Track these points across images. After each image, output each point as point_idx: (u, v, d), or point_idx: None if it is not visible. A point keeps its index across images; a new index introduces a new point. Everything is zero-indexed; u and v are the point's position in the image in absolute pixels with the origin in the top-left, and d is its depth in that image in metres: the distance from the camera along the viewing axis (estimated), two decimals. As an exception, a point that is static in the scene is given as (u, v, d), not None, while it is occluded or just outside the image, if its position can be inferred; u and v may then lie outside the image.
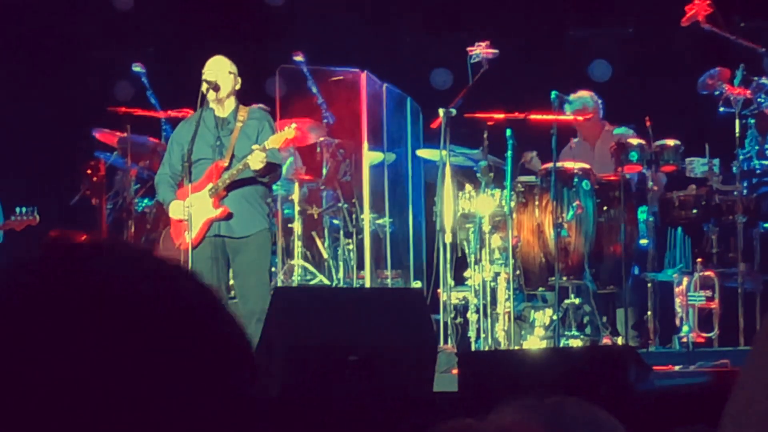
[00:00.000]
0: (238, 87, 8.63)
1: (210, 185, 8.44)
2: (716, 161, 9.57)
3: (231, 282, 8.71)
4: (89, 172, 10.24)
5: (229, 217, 8.43)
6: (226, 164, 8.46)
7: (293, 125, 8.72)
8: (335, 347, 6.80)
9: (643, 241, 9.61)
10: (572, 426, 2.29)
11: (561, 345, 9.01)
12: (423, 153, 10.40)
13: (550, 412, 2.31)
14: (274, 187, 9.21)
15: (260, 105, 9.91)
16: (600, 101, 10.22)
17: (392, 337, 6.95)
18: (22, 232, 9.90)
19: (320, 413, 6.21)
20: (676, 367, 8.30)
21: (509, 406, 2.15)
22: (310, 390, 6.55)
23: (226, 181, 8.41)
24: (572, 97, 10.09)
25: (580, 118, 9.99)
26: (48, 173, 11.15)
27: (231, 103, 8.62)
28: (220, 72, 8.54)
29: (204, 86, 8.47)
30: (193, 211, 8.32)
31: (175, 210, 8.50)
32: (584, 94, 10.20)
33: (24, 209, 9.87)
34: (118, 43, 11.99)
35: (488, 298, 9.37)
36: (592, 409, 2.38)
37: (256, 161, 8.26)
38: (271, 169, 8.45)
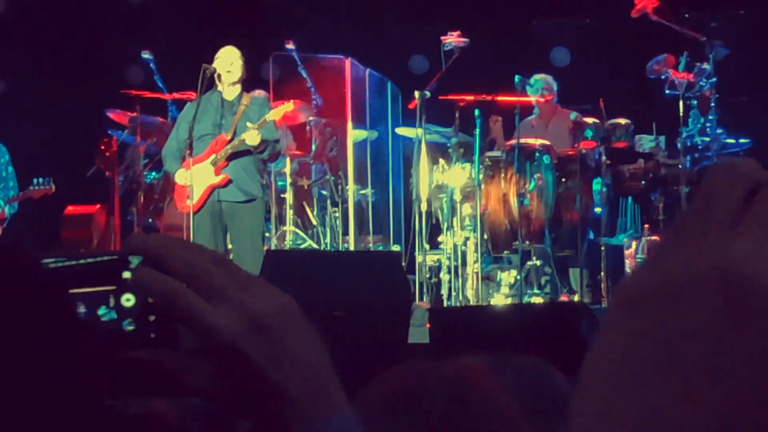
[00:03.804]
0: (244, 75, 8.72)
1: (213, 156, 8.50)
2: (662, 138, 9.61)
3: (229, 246, 8.75)
4: (103, 147, 10.25)
5: (228, 184, 8.49)
6: (229, 138, 8.52)
7: (292, 101, 8.87)
8: (321, 303, 6.82)
9: (598, 210, 9.63)
10: (516, 372, 2.32)
11: (524, 302, 9.06)
12: (401, 131, 10.42)
13: (498, 360, 2.35)
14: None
15: (261, 92, 9.94)
16: (557, 85, 10.25)
17: (372, 294, 6.97)
18: (39, 201, 9.92)
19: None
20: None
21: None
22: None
23: (228, 151, 8.48)
24: (537, 77, 10.13)
25: (541, 99, 10.01)
26: (66, 149, 11.14)
27: (237, 88, 8.69)
28: (234, 60, 8.63)
29: (208, 72, 8.53)
30: (195, 178, 8.38)
31: (181, 177, 8.56)
32: (547, 77, 10.24)
33: (41, 179, 9.87)
34: (129, 33, 11.96)
35: (459, 260, 9.40)
36: (536, 360, 2.40)
37: (251, 137, 8.33)
38: (267, 145, 8.50)
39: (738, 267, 0.59)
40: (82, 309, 1.05)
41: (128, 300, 1.05)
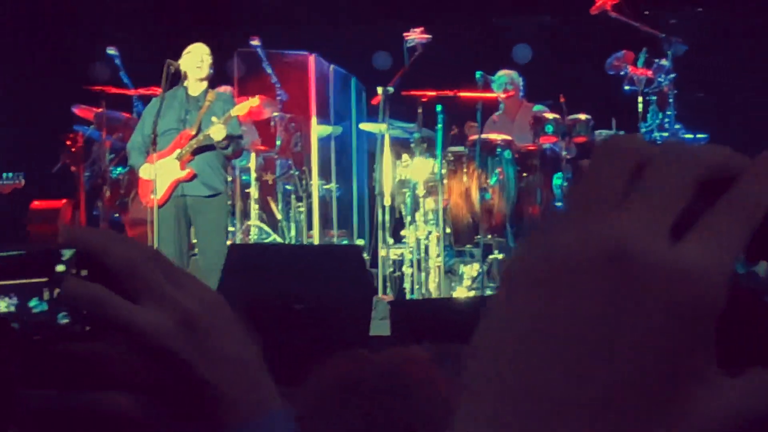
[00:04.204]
0: (212, 72, 8.72)
1: (177, 151, 8.49)
2: (622, 133, 9.63)
3: (194, 240, 8.75)
4: (69, 143, 10.21)
5: (193, 178, 8.48)
6: (194, 133, 8.51)
7: (257, 97, 8.89)
8: (284, 297, 6.83)
9: (558, 204, 9.65)
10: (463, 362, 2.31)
11: (485, 295, 9.07)
12: (365, 126, 10.42)
13: (444, 350, 2.34)
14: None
15: (227, 88, 9.93)
16: (522, 80, 10.28)
17: (334, 287, 6.99)
18: (9, 195, 9.87)
19: (270, 354, 6.23)
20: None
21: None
22: (261, 334, 6.56)
23: (193, 146, 8.47)
24: (501, 73, 10.15)
25: (503, 95, 10.04)
26: (33, 145, 11.10)
27: (203, 84, 8.68)
28: (203, 57, 8.63)
29: (172, 68, 8.51)
30: (160, 173, 8.37)
31: (146, 171, 8.55)
32: (511, 72, 10.27)
33: (10, 174, 9.83)
34: (95, 29, 11.92)
35: (422, 254, 9.42)
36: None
37: (216, 132, 8.33)
38: (232, 140, 8.49)
39: (623, 243, 0.58)
40: (14, 300, 1.04)
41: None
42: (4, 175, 9.81)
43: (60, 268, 1.04)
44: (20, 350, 1.04)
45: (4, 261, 1.05)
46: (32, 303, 1.04)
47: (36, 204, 10.24)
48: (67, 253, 1.04)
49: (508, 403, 0.59)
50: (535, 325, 0.59)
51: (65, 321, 1.04)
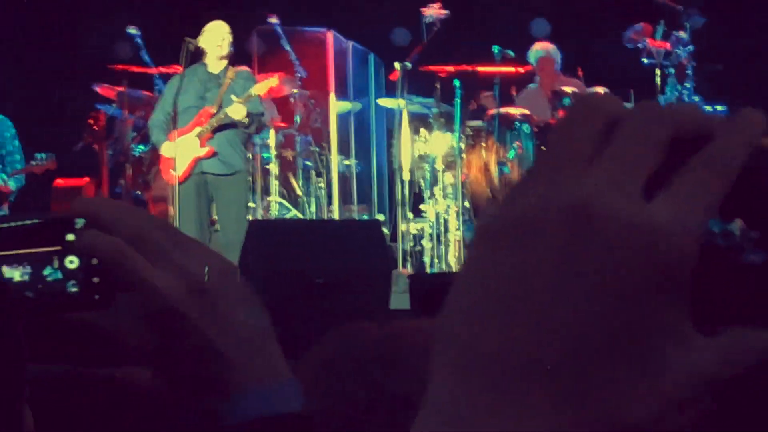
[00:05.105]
0: (232, 49, 8.72)
1: (198, 128, 8.50)
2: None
3: (215, 217, 8.77)
4: (91, 122, 10.23)
5: (213, 156, 8.49)
6: (215, 111, 8.52)
7: (276, 76, 8.87)
8: (304, 271, 6.83)
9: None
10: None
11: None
12: (384, 102, 10.42)
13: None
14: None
15: (245, 68, 9.94)
16: (560, 54, 10.24)
17: (354, 261, 6.99)
18: (41, 175, 9.90)
19: (290, 329, 6.25)
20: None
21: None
22: (282, 309, 6.59)
23: (214, 124, 8.49)
24: (537, 46, 10.14)
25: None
26: (56, 124, 11.13)
27: (224, 62, 8.68)
28: (224, 35, 8.64)
29: (191, 46, 8.52)
30: (181, 150, 8.38)
31: (167, 149, 8.57)
32: (549, 46, 10.25)
33: (44, 155, 9.83)
34: (115, 8, 11.92)
35: (441, 228, 9.42)
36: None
37: (236, 112, 8.33)
38: (253, 119, 8.50)
39: (587, 201, 0.58)
40: (27, 269, 1.05)
41: (72, 262, 1.05)
42: (38, 155, 9.81)
43: (71, 237, 1.05)
44: (32, 323, 1.05)
45: (18, 230, 1.06)
46: (47, 271, 1.05)
47: (59, 182, 10.28)
48: (79, 223, 1.05)
49: (476, 364, 0.59)
50: (500, 284, 0.59)
51: (74, 290, 1.05)
